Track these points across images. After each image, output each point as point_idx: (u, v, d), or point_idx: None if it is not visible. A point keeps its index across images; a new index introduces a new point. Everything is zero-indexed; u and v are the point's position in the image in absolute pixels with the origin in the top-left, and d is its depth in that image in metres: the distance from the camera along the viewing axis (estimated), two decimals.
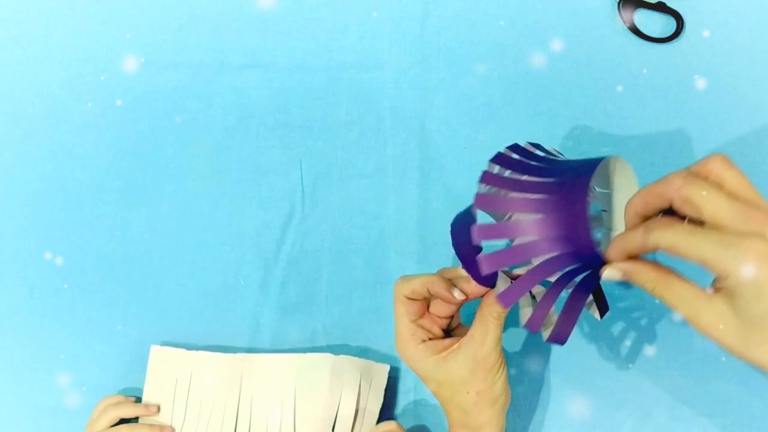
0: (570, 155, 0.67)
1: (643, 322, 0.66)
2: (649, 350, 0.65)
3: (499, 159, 0.54)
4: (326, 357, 0.65)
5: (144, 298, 0.70)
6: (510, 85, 0.68)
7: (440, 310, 0.59)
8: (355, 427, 0.64)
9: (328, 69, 0.69)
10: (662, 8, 0.67)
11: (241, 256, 0.70)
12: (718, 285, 0.44)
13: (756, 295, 0.41)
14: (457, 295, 0.56)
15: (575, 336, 0.66)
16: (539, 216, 0.48)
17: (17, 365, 0.70)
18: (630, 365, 0.65)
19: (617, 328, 0.66)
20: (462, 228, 0.54)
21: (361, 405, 0.64)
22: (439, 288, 0.56)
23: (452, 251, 0.68)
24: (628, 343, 0.66)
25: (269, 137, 0.70)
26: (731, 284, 0.42)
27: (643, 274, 0.47)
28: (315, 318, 0.69)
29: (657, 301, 0.64)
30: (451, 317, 0.60)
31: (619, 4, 0.67)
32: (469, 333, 0.56)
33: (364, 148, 0.69)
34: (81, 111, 0.70)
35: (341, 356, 0.65)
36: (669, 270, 0.46)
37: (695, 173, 0.46)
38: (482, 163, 0.68)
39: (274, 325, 0.69)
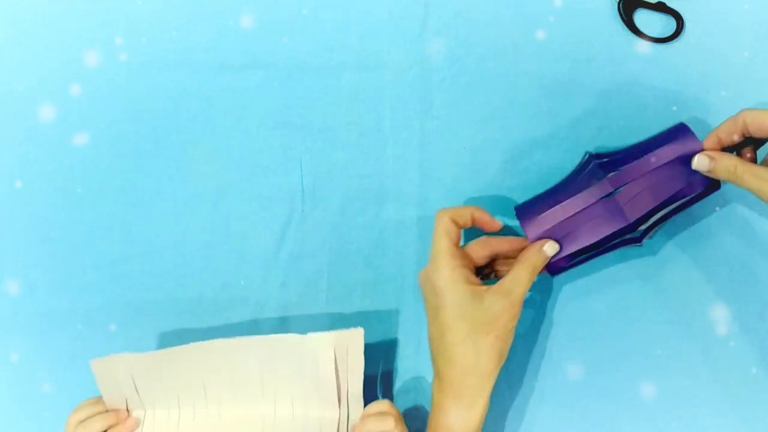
0: (570, 155, 0.67)
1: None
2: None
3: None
4: (294, 337, 0.63)
5: (144, 298, 0.70)
6: (510, 85, 0.68)
7: (476, 250, 0.61)
8: (341, 397, 0.64)
9: (328, 69, 0.69)
10: (662, 8, 0.67)
11: (241, 256, 0.70)
12: None
13: None
14: (499, 223, 0.62)
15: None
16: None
17: (10, 362, 0.70)
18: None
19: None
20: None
21: (342, 374, 0.63)
22: (482, 213, 0.61)
23: None
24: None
25: (269, 137, 0.70)
26: None
27: (727, 159, 0.56)
28: (315, 318, 0.69)
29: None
30: (481, 267, 0.62)
31: (619, 4, 0.67)
32: (502, 280, 0.58)
33: (364, 148, 0.69)
34: (81, 112, 0.70)
35: (310, 334, 0.62)
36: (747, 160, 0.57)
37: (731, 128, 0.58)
38: (482, 163, 0.68)
39: (274, 325, 0.69)
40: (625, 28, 0.67)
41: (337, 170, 0.69)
